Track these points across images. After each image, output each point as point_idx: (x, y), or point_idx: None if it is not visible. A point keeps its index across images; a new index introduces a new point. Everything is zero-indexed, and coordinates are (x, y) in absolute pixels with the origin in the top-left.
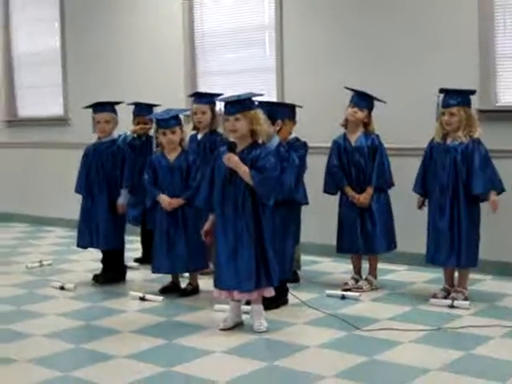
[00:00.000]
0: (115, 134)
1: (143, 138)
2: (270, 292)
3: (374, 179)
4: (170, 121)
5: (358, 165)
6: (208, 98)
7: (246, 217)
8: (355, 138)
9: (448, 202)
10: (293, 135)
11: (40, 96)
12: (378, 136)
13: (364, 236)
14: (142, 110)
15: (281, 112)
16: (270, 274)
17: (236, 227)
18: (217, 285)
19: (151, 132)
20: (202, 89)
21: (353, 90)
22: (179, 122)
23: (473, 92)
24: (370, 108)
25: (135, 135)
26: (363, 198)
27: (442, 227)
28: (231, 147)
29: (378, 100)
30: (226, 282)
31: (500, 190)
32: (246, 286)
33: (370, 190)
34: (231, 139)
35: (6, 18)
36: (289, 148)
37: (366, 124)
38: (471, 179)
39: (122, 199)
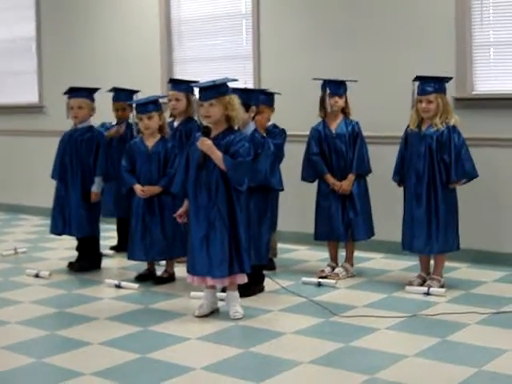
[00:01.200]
0: (92, 122)
1: (123, 127)
2: (242, 279)
3: (355, 166)
4: (147, 106)
5: (340, 152)
6: (183, 85)
7: (219, 203)
8: (335, 125)
9: (425, 190)
10: (270, 122)
11: (15, 83)
12: (357, 123)
13: (345, 223)
14: (121, 96)
15: (255, 98)
16: (242, 260)
17: (209, 213)
18: (189, 270)
19: (130, 119)
20: (179, 76)
21: (324, 80)
22: (157, 108)
23: (449, 79)
24: (346, 92)
25: (113, 124)
26: (346, 185)
27: (420, 215)
28: (205, 132)
29: (350, 81)
30: (199, 268)
31: (473, 177)
32: (218, 272)
33: (351, 177)
34: (205, 124)
35: None
36: (267, 135)
37: (344, 108)
38: (449, 167)
39: (96, 187)
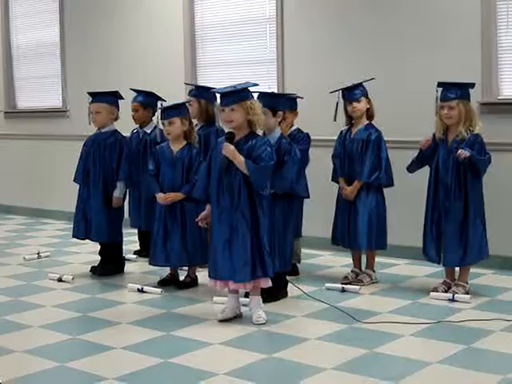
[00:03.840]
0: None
1: (140, 135)
2: (266, 283)
3: (364, 174)
4: (168, 111)
5: (352, 157)
6: (194, 91)
7: (242, 206)
8: (356, 130)
9: (454, 204)
10: (294, 127)
11: (39, 87)
12: (378, 131)
13: (348, 230)
14: (137, 97)
15: (282, 103)
16: (265, 264)
17: (231, 217)
18: (211, 275)
19: (148, 128)
20: (202, 80)
21: (339, 89)
22: (179, 113)
23: (472, 85)
24: (366, 94)
25: (135, 130)
26: (348, 191)
27: (450, 230)
28: (229, 137)
29: (366, 81)
30: (221, 272)
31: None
32: (240, 277)
33: (356, 184)
34: (228, 130)
35: (5, 9)
36: (291, 140)
37: (368, 110)
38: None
39: (118, 192)
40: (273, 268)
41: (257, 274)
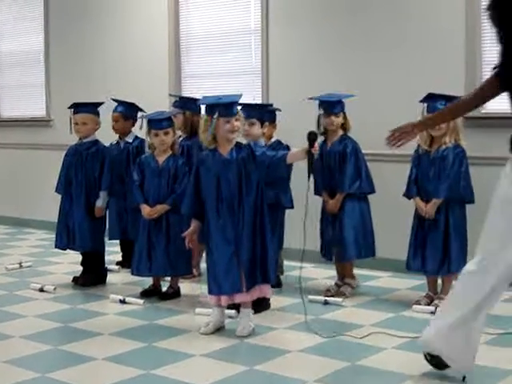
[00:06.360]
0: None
1: (121, 145)
2: (268, 291)
3: (345, 186)
4: (164, 122)
5: (330, 170)
6: (178, 102)
7: (245, 216)
8: (331, 142)
9: (436, 214)
10: (274, 139)
11: (22, 97)
12: (352, 141)
13: (335, 242)
14: (117, 107)
15: (267, 115)
16: (267, 271)
17: (235, 229)
18: (214, 291)
19: (129, 138)
20: (187, 92)
21: (320, 99)
22: (172, 124)
23: (459, 98)
24: (344, 109)
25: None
26: (331, 205)
27: (432, 239)
28: (314, 138)
29: (348, 96)
30: (228, 287)
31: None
32: (248, 287)
33: (338, 197)
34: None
35: None
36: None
37: (343, 124)
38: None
39: (101, 202)
40: (274, 274)
41: (257, 281)
